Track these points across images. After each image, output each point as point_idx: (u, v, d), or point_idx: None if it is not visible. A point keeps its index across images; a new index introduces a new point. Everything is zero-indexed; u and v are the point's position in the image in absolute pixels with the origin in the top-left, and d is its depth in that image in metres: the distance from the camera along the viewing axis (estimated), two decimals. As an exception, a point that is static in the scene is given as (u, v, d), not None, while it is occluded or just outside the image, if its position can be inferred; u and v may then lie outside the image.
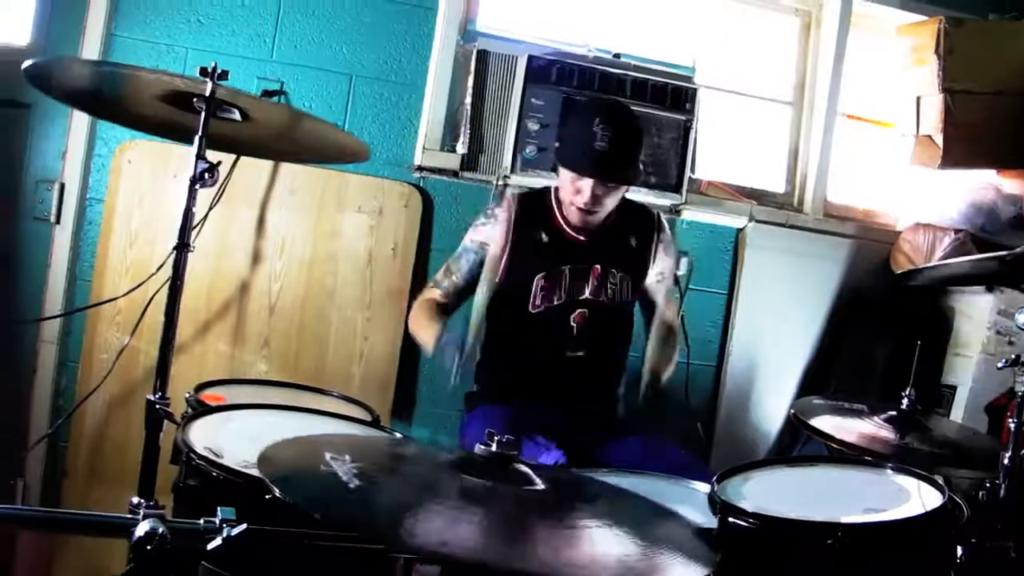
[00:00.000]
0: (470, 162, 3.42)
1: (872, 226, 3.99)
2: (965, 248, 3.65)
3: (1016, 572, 1.97)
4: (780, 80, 4.01)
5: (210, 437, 1.95)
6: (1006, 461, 2.06)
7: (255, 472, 1.75)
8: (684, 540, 1.56)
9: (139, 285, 3.01)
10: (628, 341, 3.01)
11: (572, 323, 2.83)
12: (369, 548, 1.58)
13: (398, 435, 2.24)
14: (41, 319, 3.17)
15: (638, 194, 3.35)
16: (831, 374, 3.75)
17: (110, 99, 2.46)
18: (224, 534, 1.39)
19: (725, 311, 3.77)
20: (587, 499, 1.68)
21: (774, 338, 3.77)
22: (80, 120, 3.18)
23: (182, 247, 2.26)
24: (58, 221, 3.18)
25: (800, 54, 4.02)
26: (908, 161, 3.81)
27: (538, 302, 2.81)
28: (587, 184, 2.69)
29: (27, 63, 2.24)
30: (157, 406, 2.20)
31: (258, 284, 3.27)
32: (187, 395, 2.32)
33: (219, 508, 1.43)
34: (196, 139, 2.20)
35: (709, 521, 1.87)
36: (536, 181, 3.21)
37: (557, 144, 2.86)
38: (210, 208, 3.09)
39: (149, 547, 1.33)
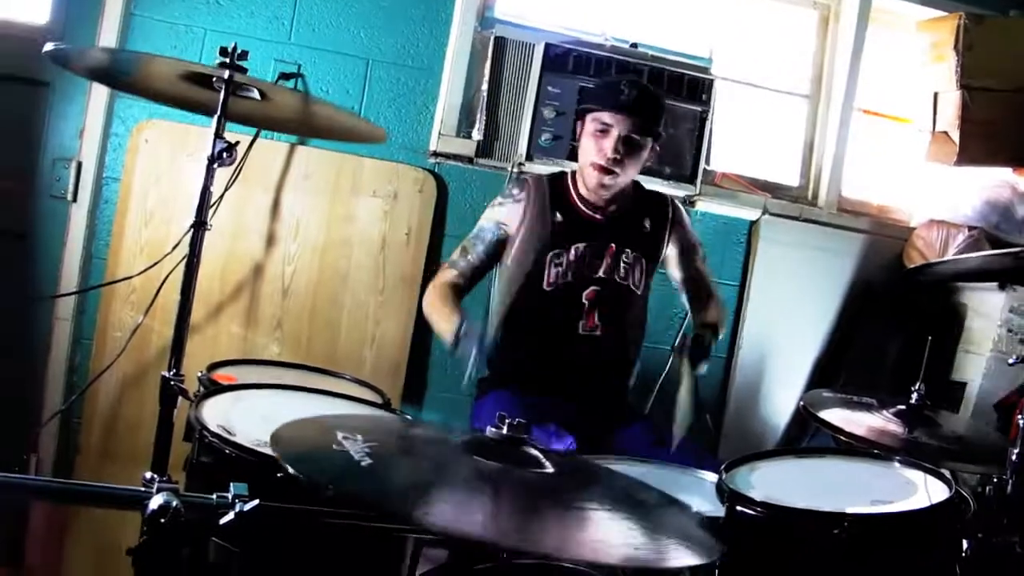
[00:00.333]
0: (485, 149, 3.43)
1: (886, 221, 3.99)
2: (979, 245, 3.65)
3: (1021, 567, 1.97)
4: (797, 73, 4.01)
5: (222, 415, 1.97)
6: (1014, 457, 2.05)
7: (267, 450, 1.76)
8: (690, 528, 1.57)
9: (154, 264, 3.02)
10: (641, 326, 3.03)
11: (584, 300, 2.85)
12: (379, 527, 1.60)
13: (408, 417, 2.25)
14: (56, 296, 3.19)
15: (652, 185, 3.35)
16: (841, 368, 3.75)
17: (130, 77, 2.47)
18: (236, 509, 1.41)
19: (737, 303, 3.77)
20: (596, 484, 1.69)
21: (785, 331, 3.78)
22: (98, 99, 3.19)
23: (199, 225, 2.27)
24: (75, 199, 3.20)
25: (818, 47, 4.01)
26: (924, 157, 3.80)
27: (552, 279, 2.84)
28: (613, 132, 2.73)
29: (49, 46, 2.24)
30: (172, 383, 2.22)
31: (272, 266, 3.28)
32: (200, 374, 2.34)
33: (232, 484, 1.45)
34: (215, 119, 2.21)
35: (717, 510, 1.88)
36: (551, 169, 3.21)
37: (581, 102, 2.93)
38: (226, 188, 3.10)
39: (163, 520, 1.34)
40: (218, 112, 2.21)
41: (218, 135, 2.21)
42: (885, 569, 1.76)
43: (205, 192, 2.26)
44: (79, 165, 3.19)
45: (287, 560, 1.63)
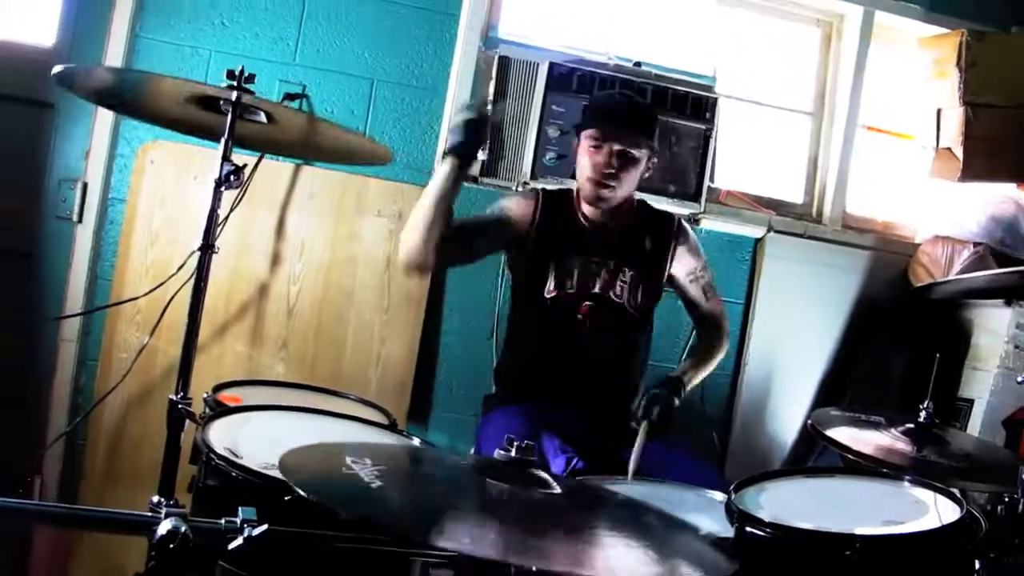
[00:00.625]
0: (490, 168, 3.43)
1: (891, 238, 3.98)
2: (984, 262, 3.64)
3: (1034, 587, 1.96)
4: (800, 90, 4.01)
5: (229, 438, 1.97)
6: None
7: (274, 473, 1.76)
8: (700, 550, 1.56)
9: (159, 285, 3.02)
10: (638, 344, 3.01)
11: (579, 315, 2.86)
12: (387, 550, 1.59)
13: (416, 440, 2.25)
14: (62, 317, 3.18)
15: (657, 203, 3.35)
16: (847, 386, 3.74)
17: (135, 99, 2.48)
18: (245, 534, 1.40)
19: (742, 321, 3.76)
20: (604, 506, 1.69)
21: (791, 348, 3.77)
22: (103, 120, 3.20)
23: (207, 248, 2.27)
24: (80, 220, 3.20)
25: (821, 65, 4.01)
26: (928, 173, 3.80)
27: (551, 288, 2.85)
28: (605, 148, 2.76)
29: (56, 69, 2.25)
30: (180, 406, 2.22)
31: (277, 286, 3.28)
32: (205, 395, 2.34)
33: (240, 508, 1.45)
34: (222, 142, 2.22)
35: (725, 530, 1.87)
36: (555, 187, 3.21)
37: (578, 123, 2.91)
38: (231, 209, 3.11)
39: (171, 545, 1.34)
40: (225, 135, 2.21)
41: (225, 158, 2.21)
42: (896, 591, 1.76)
43: (212, 215, 2.27)
44: (84, 186, 3.20)
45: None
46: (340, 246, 3.33)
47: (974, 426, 3.47)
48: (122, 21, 3.17)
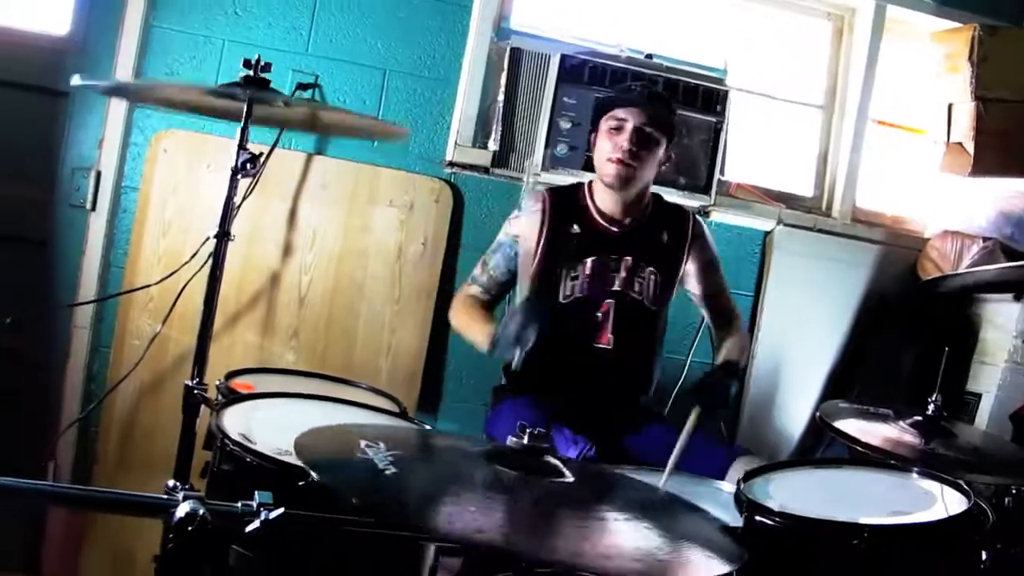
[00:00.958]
0: (501, 159, 3.44)
1: (900, 232, 3.98)
2: (993, 256, 3.65)
3: (1040, 579, 1.97)
4: (811, 84, 4.01)
5: (242, 424, 1.99)
6: (1031, 468, 2.06)
7: (288, 459, 1.78)
8: (711, 535, 1.58)
9: (172, 273, 3.04)
10: (657, 339, 3.02)
11: (599, 314, 2.86)
12: (400, 535, 1.61)
13: (427, 427, 2.27)
14: (75, 304, 3.20)
15: (667, 195, 3.36)
16: (855, 379, 3.75)
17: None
18: (262, 517, 1.42)
19: (751, 314, 3.77)
20: (616, 493, 1.70)
21: (799, 341, 3.78)
22: (117, 109, 3.22)
23: (223, 236, 2.29)
24: (94, 208, 3.22)
25: (832, 58, 4.01)
26: (938, 168, 3.80)
27: (567, 292, 2.85)
28: (627, 126, 2.77)
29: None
30: (195, 391, 2.24)
31: (288, 276, 3.30)
32: (218, 383, 2.35)
33: (256, 492, 1.46)
34: (238, 130, 2.23)
35: (734, 520, 1.89)
36: (567, 179, 3.22)
37: (595, 114, 2.92)
38: (243, 198, 3.12)
39: (190, 528, 1.35)
40: (241, 124, 2.22)
41: (241, 146, 2.23)
42: (904, 580, 1.77)
43: (228, 203, 2.28)
44: (98, 174, 3.21)
45: (306, 568, 1.64)
46: (352, 236, 3.34)
47: (982, 420, 3.48)
48: (136, 10, 3.18)
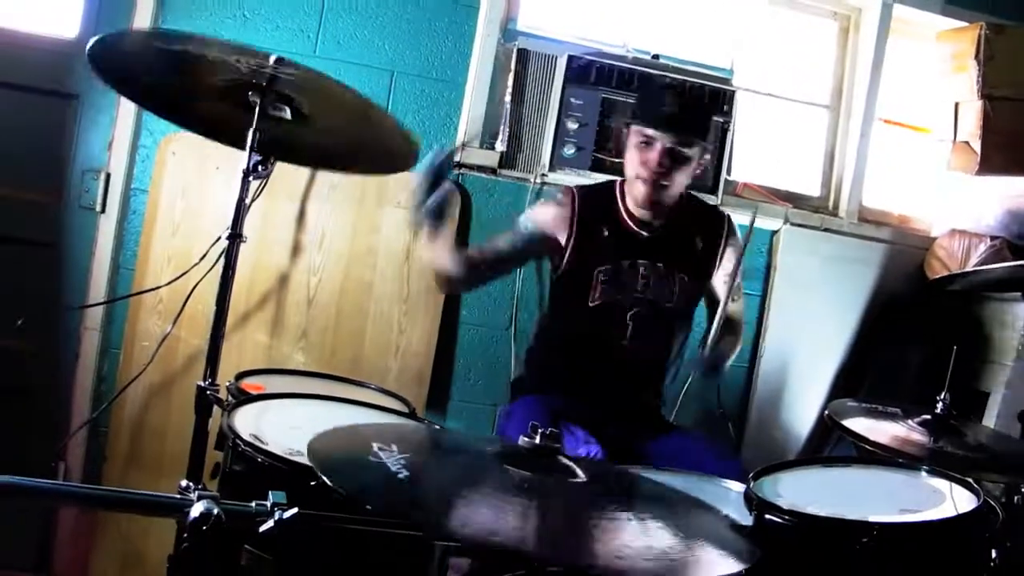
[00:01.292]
0: (508, 160, 3.45)
1: (907, 231, 3.99)
2: (1001, 255, 3.65)
3: (1049, 577, 1.98)
4: (818, 84, 4.02)
5: (253, 424, 1.99)
6: (1040, 467, 2.07)
7: (299, 459, 1.79)
8: (724, 534, 1.58)
9: (182, 275, 3.05)
10: (684, 344, 2.98)
11: (629, 320, 2.81)
12: (412, 535, 1.62)
13: (437, 426, 2.27)
14: (85, 306, 3.22)
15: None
16: (863, 378, 3.76)
17: (164, 85, 2.45)
18: (276, 517, 1.43)
19: (758, 313, 3.78)
20: (627, 492, 1.71)
21: (806, 340, 3.78)
22: (127, 111, 3.23)
23: (235, 237, 2.30)
24: (103, 210, 3.23)
25: (838, 58, 4.02)
26: (945, 167, 3.80)
27: (597, 296, 2.80)
28: (657, 145, 2.68)
29: (93, 40, 2.23)
30: (208, 392, 2.24)
31: (297, 276, 3.31)
32: (228, 383, 2.36)
33: (270, 492, 1.47)
34: (250, 132, 2.24)
35: (743, 519, 1.89)
36: (573, 180, 3.23)
37: (629, 114, 2.86)
38: (252, 200, 3.12)
39: (204, 527, 1.36)
40: (253, 124, 2.23)
41: (252, 148, 2.24)
42: (914, 578, 1.78)
43: (240, 204, 2.29)
44: (107, 177, 3.23)
45: (316, 568, 1.65)
46: (360, 237, 3.35)
47: (990, 419, 3.48)
48: (145, 13, 3.19)
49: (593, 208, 2.84)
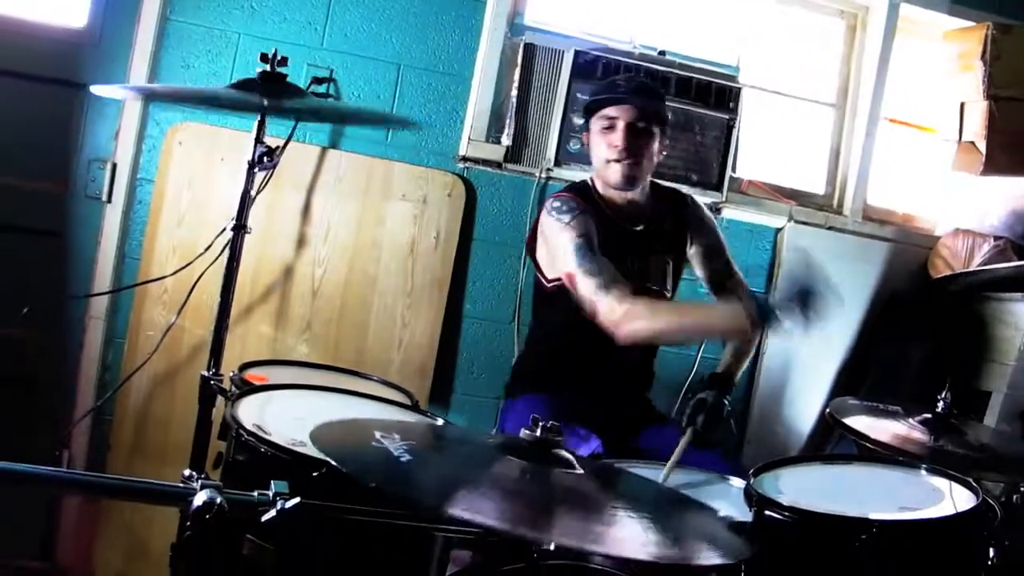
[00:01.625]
0: (514, 154, 3.46)
1: (911, 230, 3.99)
2: (1004, 255, 3.65)
3: (1048, 576, 1.98)
4: (823, 82, 4.02)
5: (256, 415, 2.00)
6: (1040, 466, 2.08)
7: (302, 449, 1.80)
8: (718, 530, 1.59)
9: (187, 265, 3.06)
10: None
11: None
12: (411, 525, 1.63)
13: (439, 420, 2.28)
14: (90, 295, 3.23)
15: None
16: (865, 376, 3.76)
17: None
18: (278, 506, 1.44)
19: (761, 310, 3.78)
20: (625, 487, 1.72)
21: (809, 339, 3.77)
22: (133, 102, 3.24)
23: (239, 228, 2.30)
24: (109, 200, 3.24)
25: (844, 56, 4.02)
26: (950, 166, 3.81)
27: None
28: (619, 124, 2.76)
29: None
30: (212, 382, 2.25)
31: (302, 268, 3.32)
32: (232, 374, 2.37)
33: (273, 482, 1.48)
34: (255, 124, 2.25)
35: (743, 515, 1.90)
36: (579, 175, 3.24)
37: (585, 103, 2.92)
38: (258, 191, 3.14)
39: (207, 516, 1.37)
40: (259, 118, 2.24)
41: (258, 140, 2.25)
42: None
43: (245, 195, 2.30)
44: (114, 166, 3.23)
45: (318, 558, 1.66)
46: (366, 230, 3.36)
47: (991, 418, 3.48)
48: (153, 3, 3.20)
49: (590, 209, 2.83)
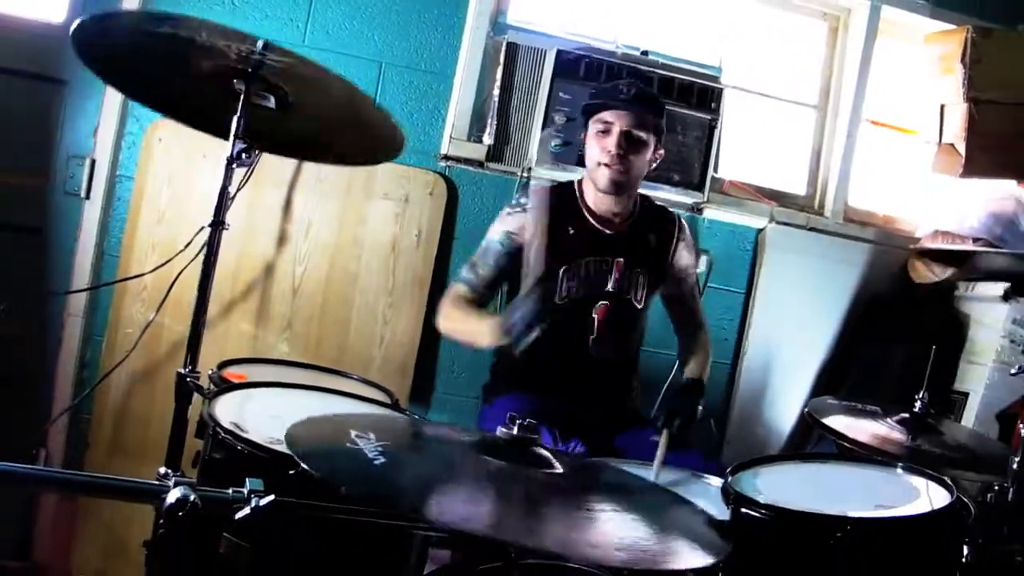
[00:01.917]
0: (496, 153, 3.46)
1: (892, 231, 4.01)
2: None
3: (1021, 575, 1.99)
4: (805, 83, 4.04)
5: (234, 413, 1.99)
6: (1015, 465, 2.08)
7: (279, 447, 1.79)
8: (696, 527, 1.59)
9: (166, 262, 3.04)
10: (641, 339, 3.06)
11: (594, 315, 2.86)
12: (389, 524, 1.62)
13: (417, 418, 2.28)
14: (69, 292, 3.21)
15: (661, 191, 3.41)
16: (846, 376, 3.77)
17: (149, 71, 2.42)
18: (252, 504, 1.43)
19: (742, 310, 3.80)
20: (603, 484, 1.72)
21: (790, 339, 3.80)
22: (113, 98, 3.22)
23: (217, 224, 2.29)
24: (88, 196, 3.23)
25: (826, 58, 4.03)
26: (930, 168, 3.82)
27: (563, 293, 2.83)
28: (614, 129, 2.76)
29: (77, 21, 2.19)
30: (188, 379, 2.24)
31: (282, 266, 3.31)
32: (211, 372, 2.36)
33: (247, 479, 1.48)
34: (234, 119, 2.23)
35: (721, 514, 1.90)
36: (561, 175, 3.23)
37: (584, 104, 2.91)
38: (239, 188, 3.12)
39: (180, 513, 1.37)
40: (238, 112, 2.22)
41: (237, 136, 2.23)
42: (886, 573, 1.79)
43: (223, 192, 2.28)
44: (93, 163, 3.22)
45: (295, 556, 1.66)
46: (347, 228, 3.35)
47: (969, 419, 3.50)
48: (132, 0, 3.19)
49: (557, 206, 2.81)
